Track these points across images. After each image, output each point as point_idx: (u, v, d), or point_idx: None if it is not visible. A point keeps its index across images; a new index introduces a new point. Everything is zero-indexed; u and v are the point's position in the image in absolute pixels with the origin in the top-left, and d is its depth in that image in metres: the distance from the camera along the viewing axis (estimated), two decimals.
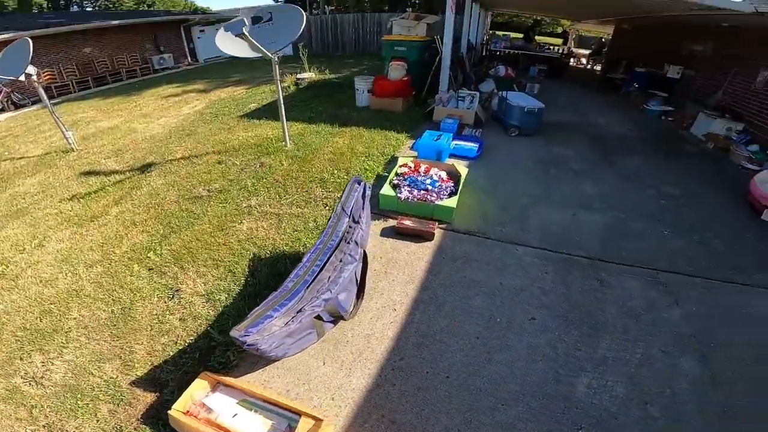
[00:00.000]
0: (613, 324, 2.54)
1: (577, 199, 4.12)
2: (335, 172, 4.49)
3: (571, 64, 15.55)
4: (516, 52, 12.07)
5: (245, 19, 3.94)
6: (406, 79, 6.59)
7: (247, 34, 3.89)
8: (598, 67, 13.58)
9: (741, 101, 6.51)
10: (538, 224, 3.62)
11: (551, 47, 13.53)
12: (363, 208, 2.77)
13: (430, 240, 3.34)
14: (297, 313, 2.12)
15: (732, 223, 3.88)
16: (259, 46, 4.12)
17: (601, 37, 15.03)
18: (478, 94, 6.33)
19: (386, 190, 3.76)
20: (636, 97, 8.50)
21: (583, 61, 14.78)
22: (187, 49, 16.80)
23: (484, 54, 12.84)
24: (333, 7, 27.58)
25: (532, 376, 2.18)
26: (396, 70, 6.69)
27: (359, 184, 2.89)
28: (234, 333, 1.93)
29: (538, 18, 15.38)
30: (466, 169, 4.15)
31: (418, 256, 3.14)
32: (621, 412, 2.00)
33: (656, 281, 2.95)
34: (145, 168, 5.07)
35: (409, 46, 7.06)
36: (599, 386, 2.13)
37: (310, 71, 9.59)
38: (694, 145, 6.23)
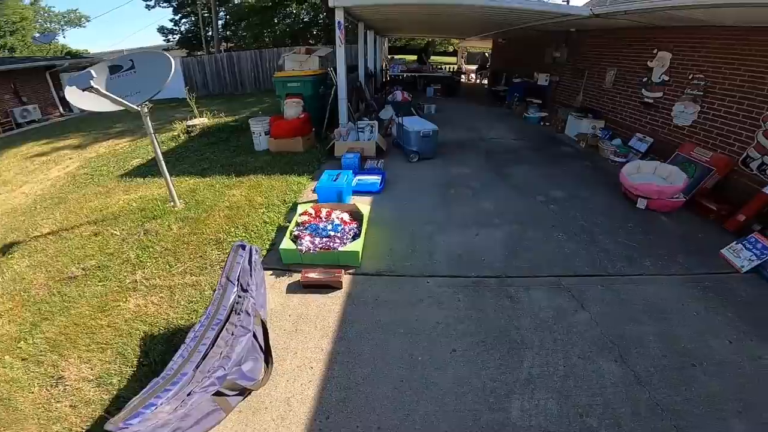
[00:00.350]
0: (530, 340, 2.62)
1: (478, 218, 4.32)
2: (232, 230, 4.16)
3: (463, 80, 17.10)
4: (413, 74, 12.77)
5: (92, 70, 3.50)
6: (303, 116, 6.48)
7: (97, 87, 3.45)
8: (485, 81, 14.98)
9: (597, 101, 7.57)
10: (444, 251, 3.69)
11: (443, 67, 14.60)
12: (252, 274, 2.61)
13: (340, 288, 3.21)
14: (187, 396, 1.89)
15: (614, 216, 4.37)
16: (119, 98, 3.69)
17: (484, 53, 16.65)
18: (376, 123, 6.47)
19: (286, 244, 3.55)
20: (518, 106, 9.46)
21: (472, 76, 16.22)
22: (57, 98, 14.86)
23: (385, 79, 13.37)
24: (231, 44, 26.79)
25: (464, 410, 2.14)
26: (292, 108, 6.55)
27: (244, 249, 2.69)
28: (109, 427, 1.66)
29: (430, 39, 16.56)
30: (369, 207, 4.13)
31: (329, 307, 3.00)
32: (561, 429, 2.03)
33: (560, 288, 3.15)
34: (5, 249, 4.23)
35: (302, 81, 7.00)
36: (532, 407, 2.16)
37: (203, 116, 9.01)
38: (570, 146, 7.07)
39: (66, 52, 28.08)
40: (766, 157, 4.20)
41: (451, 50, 27.21)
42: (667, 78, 5.66)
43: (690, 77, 5.22)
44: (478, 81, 15.50)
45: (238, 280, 2.54)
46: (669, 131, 5.63)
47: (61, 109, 14.92)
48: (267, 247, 3.85)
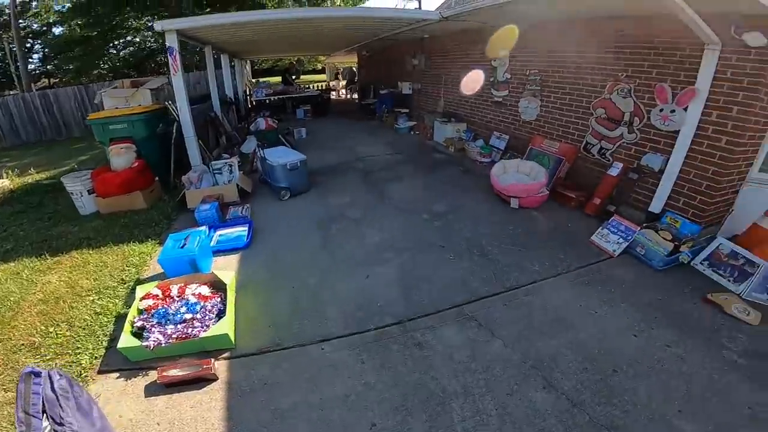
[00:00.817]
0: (453, 389, 2.31)
1: (366, 255, 3.86)
2: (51, 329, 2.99)
3: (334, 97, 16.97)
4: (280, 97, 11.98)
5: None
6: (137, 164, 5.23)
7: None
8: (356, 96, 15.04)
9: (457, 104, 7.93)
10: (335, 305, 3.14)
11: (311, 85, 14.10)
12: (63, 403, 1.90)
13: (216, 380, 2.46)
14: None
15: (495, 221, 4.37)
16: None
17: (351, 67, 16.77)
18: (236, 160, 5.58)
19: (125, 341, 2.59)
20: (388, 118, 9.51)
21: (343, 92, 16.18)
22: None
23: (250, 106, 12.23)
24: (56, 80, 22.02)
25: None
26: (120, 156, 5.24)
27: (39, 376, 1.86)
28: None
29: (294, 59, 15.91)
30: (234, 271, 3.32)
31: (208, 405, 2.31)
32: None
33: (466, 318, 2.91)
34: None
35: (130, 121, 5.65)
36: None
37: (2, 176, 6.84)
38: (441, 153, 7.21)
39: None
40: (603, 141, 4.66)
41: (320, 68, 27.05)
42: (509, 76, 6.08)
43: (527, 73, 5.65)
44: (348, 96, 15.49)
45: (44, 412, 1.85)
46: (520, 127, 6.05)
47: None
48: (105, 345, 2.85)
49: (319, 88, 14.27)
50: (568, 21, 4.86)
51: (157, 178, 5.58)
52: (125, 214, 5.05)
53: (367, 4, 23.40)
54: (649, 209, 4.19)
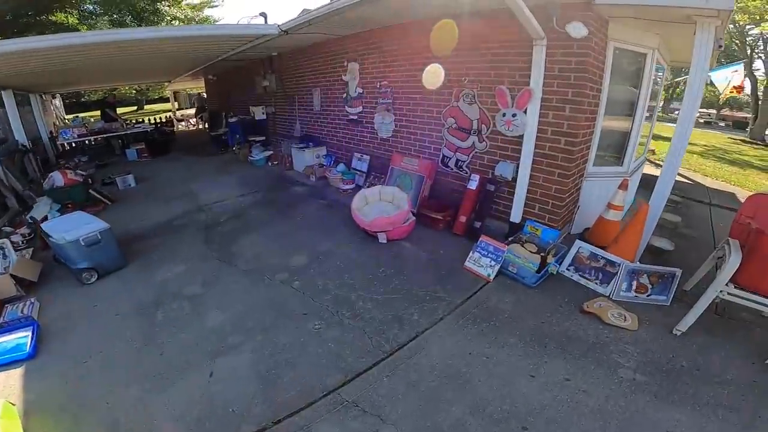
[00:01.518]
0: None
1: (207, 345, 2.68)
2: None
3: (183, 127, 14.79)
4: (101, 137, 9.56)
5: None
6: None
7: None
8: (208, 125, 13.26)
9: (313, 126, 7.18)
10: (172, 419, 2.11)
11: (144, 119, 11.71)
12: None
13: None
14: None
15: (363, 264, 3.66)
16: None
17: (200, 93, 14.86)
18: (22, 235, 3.73)
19: None
20: (241, 149, 8.26)
21: (192, 121, 14.17)
22: None
23: (61, 151, 9.45)
24: None
25: None
26: None
27: None
28: None
29: (111, 90, 13.05)
30: (8, 402, 1.80)
31: None
32: None
33: (346, 406, 2.19)
34: None
35: None
36: None
37: None
38: (302, 184, 6.32)
39: None
40: (458, 153, 4.36)
41: (168, 95, 23.77)
42: (361, 90, 5.56)
43: (378, 86, 5.18)
44: (199, 126, 13.55)
45: None
46: (379, 145, 5.56)
47: None
48: None
49: (158, 120, 12.05)
50: (407, 25, 4.52)
51: None
52: None
53: (220, 20, 21.63)
54: (511, 219, 3.97)
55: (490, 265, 3.35)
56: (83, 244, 3.63)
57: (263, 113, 8.48)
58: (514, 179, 3.84)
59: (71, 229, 3.73)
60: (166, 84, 15.07)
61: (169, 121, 11.93)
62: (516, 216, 3.93)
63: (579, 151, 3.52)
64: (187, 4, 19.02)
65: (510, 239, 3.65)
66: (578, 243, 3.45)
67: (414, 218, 4.16)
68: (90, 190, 5.85)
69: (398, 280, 3.42)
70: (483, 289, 3.26)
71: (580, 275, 3.34)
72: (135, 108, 26.48)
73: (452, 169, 4.47)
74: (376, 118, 5.35)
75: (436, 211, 4.24)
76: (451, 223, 4.19)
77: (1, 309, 3.20)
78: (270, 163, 7.66)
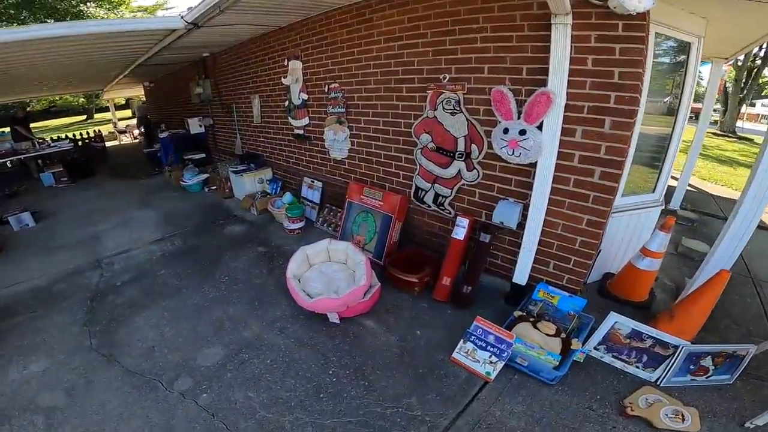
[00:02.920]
0: None
1: None
2: None
3: (126, 140, 12.98)
4: (8, 160, 7.76)
5: None
6: None
7: None
8: None
9: (255, 142, 5.75)
10: None
11: (67, 136, 9.74)
12: None
13: None
14: None
15: (305, 366, 2.37)
16: None
17: (142, 101, 13.11)
18: None
19: None
20: (174, 171, 6.71)
21: (136, 133, 12.40)
22: None
23: None
24: None
25: None
26: None
27: None
28: None
29: (27, 101, 10.98)
30: None
31: None
32: None
33: None
34: None
35: None
36: None
37: None
38: (240, 220, 4.87)
39: None
40: (437, 185, 3.05)
41: (123, 102, 21.48)
42: (306, 97, 4.18)
43: (327, 90, 3.83)
44: (143, 139, 11.76)
45: None
46: (333, 169, 4.21)
47: None
48: None
49: (85, 135, 10.20)
50: (362, 4, 3.20)
51: None
52: None
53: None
54: (514, 280, 2.71)
55: (491, 361, 2.11)
56: None
57: (200, 126, 6.97)
58: (521, 226, 2.57)
59: None
60: (100, 93, 13.21)
61: (98, 136, 10.10)
62: (521, 276, 2.67)
63: (618, 185, 2.29)
64: (139, 6, 17.22)
65: (518, 315, 2.38)
66: (613, 317, 2.23)
67: (378, 284, 2.82)
68: None
69: (355, 389, 2.16)
70: (480, 394, 2.10)
71: (614, 357, 2.27)
72: (84, 117, 24.04)
73: (429, 206, 3.18)
74: (327, 134, 3.99)
75: (409, 269, 2.91)
76: (431, 284, 2.88)
77: None
78: (207, 189, 6.16)
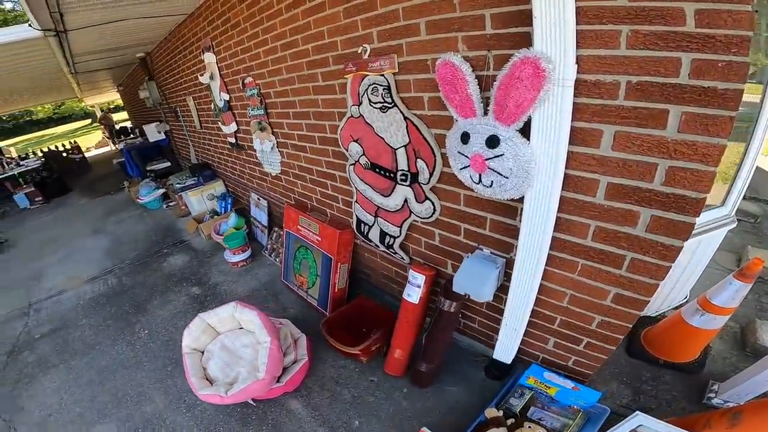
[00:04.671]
0: None
1: None
2: None
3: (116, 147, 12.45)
4: None
5: None
6: None
7: None
8: None
9: (204, 151, 4.77)
10: None
11: (38, 151, 9.11)
12: None
13: None
14: None
15: None
16: None
17: (109, 107, 12.47)
18: None
19: None
20: (133, 185, 5.93)
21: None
22: None
23: None
24: None
25: None
26: None
27: None
28: None
29: None
30: None
31: None
32: None
33: None
34: None
35: None
36: None
37: None
38: (185, 249, 3.98)
39: None
40: (380, 218, 1.98)
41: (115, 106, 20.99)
42: (228, 97, 3.15)
43: (242, 86, 2.78)
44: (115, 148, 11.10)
45: None
46: (273, 185, 3.19)
47: None
48: None
49: (62, 147, 9.56)
50: None
51: None
52: None
53: None
54: (495, 356, 1.68)
55: None
56: None
57: (159, 132, 6.10)
58: (505, 288, 1.50)
59: None
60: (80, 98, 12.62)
61: (75, 148, 9.48)
62: (504, 354, 1.68)
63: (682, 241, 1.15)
64: None
65: (490, 417, 1.38)
66: (640, 417, 1.19)
67: (305, 359, 1.88)
68: None
69: None
70: None
71: None
72: (90, 122, 24.06)
73: (376, 244, 2.13)
74: (255, 143, 2.96)
75: (355, 330, 1.98)
76: (384, 350, 1.93)
77: None
78: (165, 206, 5.34)
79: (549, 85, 1.04)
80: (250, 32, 2.38)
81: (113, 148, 12.13)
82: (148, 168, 6.17)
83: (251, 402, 1.92)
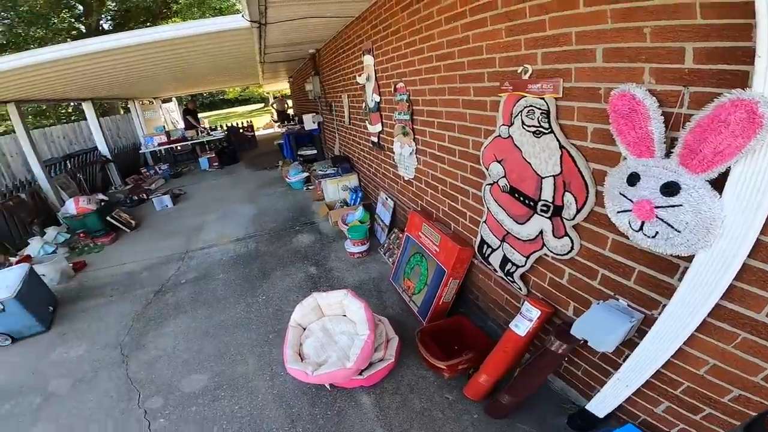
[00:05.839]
0: None
1: None
2: None
3: (279, 130, 14.71)
4: (182, 145, 9.60)
5: None
6: None
7: None
8: None
9: (348, 145, 5.29)
10: None
11: (219, 125, 11.45)
12: None
13: None
14: None
15: (272, 427, 1.97)
16: None
17: (282, 95, 14.49)
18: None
19: None
20: (285, 166, 6.97)
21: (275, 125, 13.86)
22: None
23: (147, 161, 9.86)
24: None
25: None
26: None
27: None
28: None
29: (193, 95, 12.99)
30: None
31: None
32: None
33: None
34: None
35: None
36: None
37: None
38: (314, 231, 4.49)
39: None
40: (507, 243, 1.92)
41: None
42: (378, 99, 3.45)
43: (394, 90, 3.01)
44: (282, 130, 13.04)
45: None
46: (403, 188, 3.37)
47: None
48: None
49: (238, 125, 11.71)
50: None
51: None
52: None
53: None
54: (588, 407, 1.44)
55: None
56: None
57: (314, 123, 7.02)
58: (632, 342, 1.29)
59: None
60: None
61: (249, 126, 11.57)
62: (600, 407, 1.47)
63: None
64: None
65: None
66: None
67: (391, 360, 1.97)
68: (108, 217, 5.26)
69: None
70: None
71: None
72: (263, 105, 28.66)
73: (495, 269, 2.06)
74: (395, 146, 3.17)
75: (447, 346, 2.00)
76: (467, 372, 1.88)
77: None
78: (306, 188, 6.14)
79: (765, 134, 0.87)
80: (408, 40, 2.56)
81: (276, 130, 14.46)
82: (299, 153, 7.17)
83: (327, 386, 2.05)
